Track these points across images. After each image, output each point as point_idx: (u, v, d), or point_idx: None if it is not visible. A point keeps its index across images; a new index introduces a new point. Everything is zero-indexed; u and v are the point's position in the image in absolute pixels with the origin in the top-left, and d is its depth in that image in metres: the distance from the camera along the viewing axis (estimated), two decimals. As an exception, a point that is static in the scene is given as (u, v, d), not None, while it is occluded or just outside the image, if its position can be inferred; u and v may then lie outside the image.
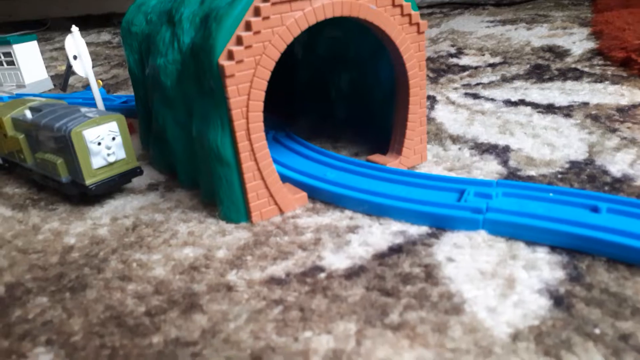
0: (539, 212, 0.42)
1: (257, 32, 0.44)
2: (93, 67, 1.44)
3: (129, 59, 0.66)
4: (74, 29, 0.76)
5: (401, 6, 0.50)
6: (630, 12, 1.16)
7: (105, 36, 1.95)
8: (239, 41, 0.43)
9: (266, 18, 0.44)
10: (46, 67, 1.25)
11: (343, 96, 0.71)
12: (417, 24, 0.52)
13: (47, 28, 2.72)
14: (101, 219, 0.54)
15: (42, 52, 1.33)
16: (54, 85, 1.24)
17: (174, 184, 0.60)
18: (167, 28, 0.55)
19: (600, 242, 0.38)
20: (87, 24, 2.58)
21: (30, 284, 0.43)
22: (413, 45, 0.53)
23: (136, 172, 0.58)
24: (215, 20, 0.44)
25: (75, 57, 0.78)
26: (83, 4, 2.51)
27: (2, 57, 1.18)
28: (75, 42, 0.77)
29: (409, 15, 0.51)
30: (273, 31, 0.44)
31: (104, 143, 0.54)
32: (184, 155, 0.56)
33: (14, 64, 1.17)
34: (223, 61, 0.43)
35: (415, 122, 0.56)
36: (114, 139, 0.55)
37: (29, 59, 1.18)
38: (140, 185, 0.61)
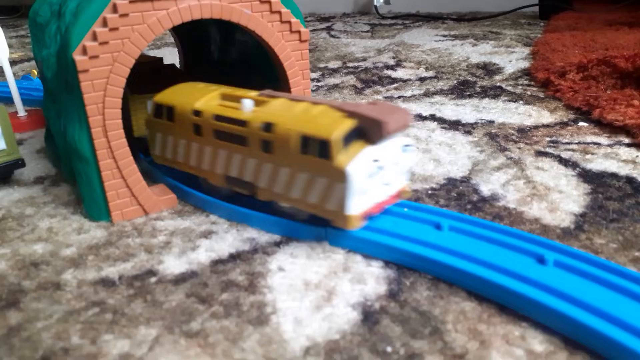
0: (381, 227, 0.41)
1: (114, 29, 0.43)
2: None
3: (33, 50, 0.65)
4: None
5: (279, 12, 0.50)
6: (572, 34, 1.17)
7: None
8: (94, 37, 0.43)
9: (124, 15, 0.43)
10: None
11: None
12: (299, 32, 0.52)
13: (19, 15, 2.69)
14: (-28, 209, 0.53)
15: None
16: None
17: (61, 178, 0.59)
18: (55, 20, 0.55)
19: (424, 259, 0.38)
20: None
21: None
22: (295, 54, 0.52)
23: (17, 164, 0.57)
24: (74, 15, 0.44)
25: (-12, 45, 0.77)
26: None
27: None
28: (-11, 29, 0.76)
29: (289, 22, 0.51)
30: (132, 29, 0.44)
31: (-22, 133, 0.53)
32: (64, 149, 0.55)
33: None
34: (77, 56, 0.43)
35: (299, 130, 0.55)
36: (-10, 129, 0.54)
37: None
38: (28, 177, 0.60)
